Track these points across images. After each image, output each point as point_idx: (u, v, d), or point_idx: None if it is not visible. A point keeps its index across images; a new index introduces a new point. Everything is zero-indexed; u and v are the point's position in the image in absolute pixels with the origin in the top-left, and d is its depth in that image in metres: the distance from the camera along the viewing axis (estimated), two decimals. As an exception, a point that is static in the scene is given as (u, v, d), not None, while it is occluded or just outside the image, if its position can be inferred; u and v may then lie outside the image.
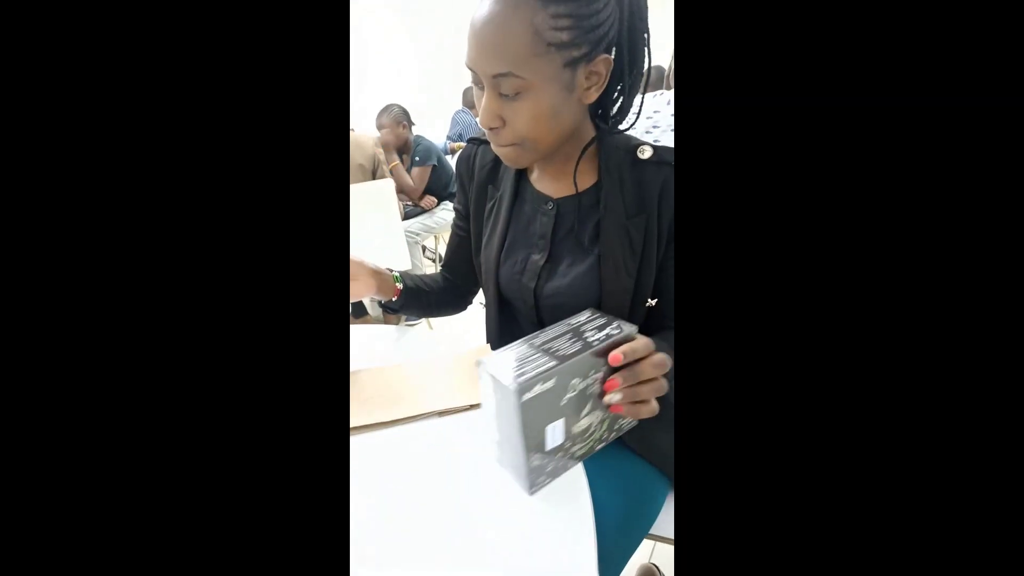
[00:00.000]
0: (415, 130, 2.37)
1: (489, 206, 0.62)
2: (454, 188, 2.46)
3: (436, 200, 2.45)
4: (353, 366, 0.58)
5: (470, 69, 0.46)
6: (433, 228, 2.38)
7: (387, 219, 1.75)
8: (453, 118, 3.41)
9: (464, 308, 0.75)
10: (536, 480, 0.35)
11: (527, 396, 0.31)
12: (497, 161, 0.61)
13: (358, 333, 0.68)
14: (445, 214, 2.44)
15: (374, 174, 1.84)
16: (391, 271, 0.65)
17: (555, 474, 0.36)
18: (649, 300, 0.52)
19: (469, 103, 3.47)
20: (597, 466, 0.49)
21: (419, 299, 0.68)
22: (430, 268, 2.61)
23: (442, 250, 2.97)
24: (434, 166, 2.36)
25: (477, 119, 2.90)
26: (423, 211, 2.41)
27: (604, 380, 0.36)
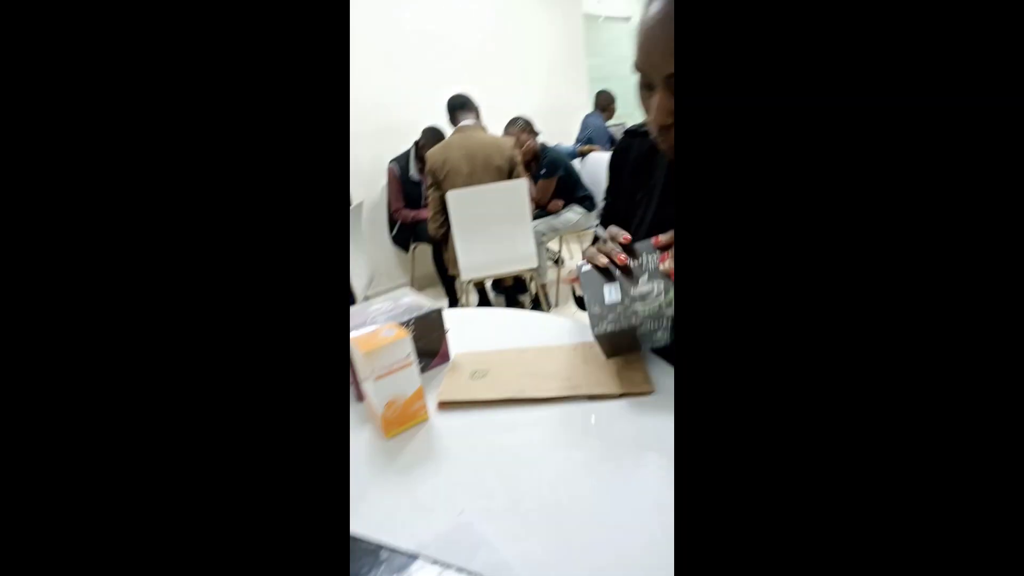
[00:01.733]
0: (541, 138, 2.47)
1: (639, 195, 0.64)
2: (580, 192, 2.54)
3: (562, 203, 2.51)
4: (490, 346, 0.64)
5: (639, 71, 0.48)
6: (558, 228, 2.45)
7: (519, 217, 1.85)
8: (583, 121, 3.44)
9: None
10: (596, 324, 0.50)
11: (584, 268, 0.53)
12: (650, 153, 0.64)
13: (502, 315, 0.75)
14: (571, 215, 2.49)
15: (510, 174, 1.96)
16: None
17: (616, 322, 0.49)
18: None
19: (600, 106, 3.48)
20: None
21: None
22: (551, 270, 2.68)
23: (564, 252, 3.02)
24: (560, 176, 2.43)
25: (609, 124, 2.87)
26: (550, 213, 2.49)
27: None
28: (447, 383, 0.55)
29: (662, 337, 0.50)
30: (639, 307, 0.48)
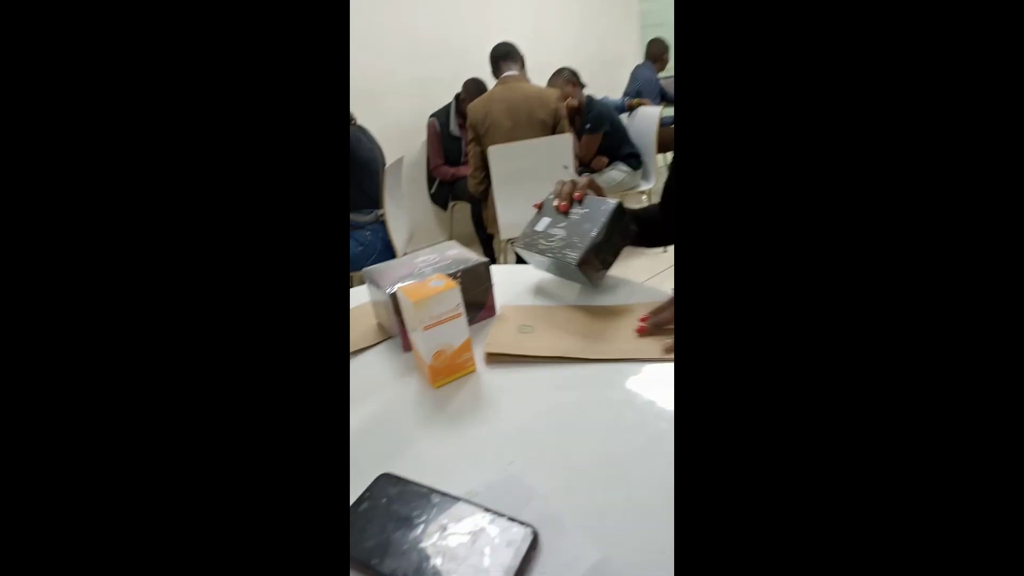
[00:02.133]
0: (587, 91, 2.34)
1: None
2: (627, 149, 2.41)
3: (607, 160, 2.40)
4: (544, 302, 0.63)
5: None
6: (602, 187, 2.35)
7: (562, 174, 1.79)
8: (633, 73, 3.23)
9: (668, 245, 0.77)
10: (522, 238, 0.64)
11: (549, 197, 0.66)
12: None
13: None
14: (615, 173, 2.38)
15: (554, 129, 1.87)
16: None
17: (526, 244, 0.64)
18: None
19: (652, 57, 3.24)
20: None
21: (647, 234, 0.69)
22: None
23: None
24: (605, 132, 2.30)
25: (661, 76, 2.70)
26: (594, 171, 2.39)
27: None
28: (494, 335, 0.54)
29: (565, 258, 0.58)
30: (544, 243, 0.61)
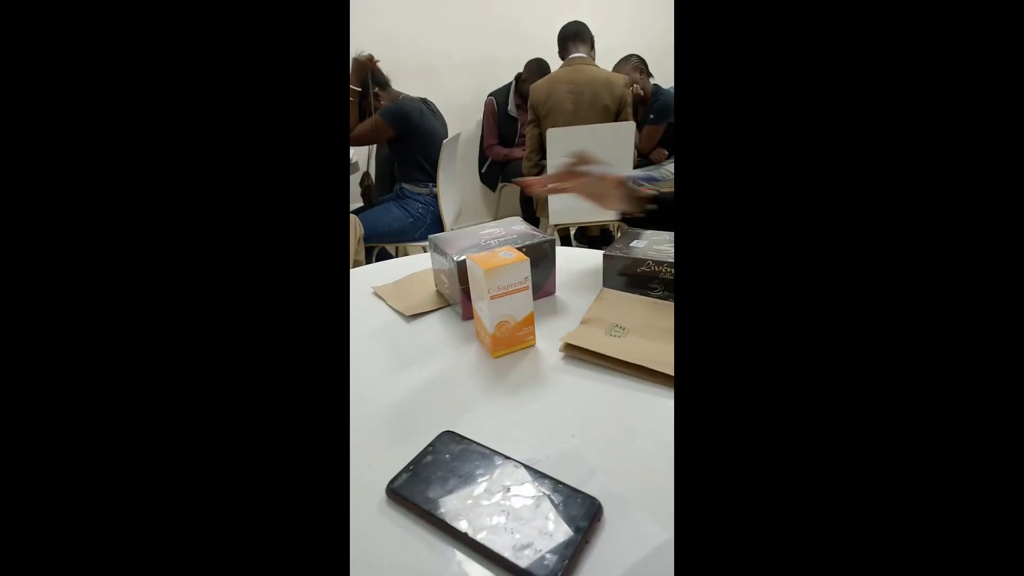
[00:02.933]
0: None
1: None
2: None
3: (667, 153, 2.32)
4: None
5: None
6: (657, 181, 2.29)
7: (621, 163, 1.75)
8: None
9: None
10: None
11: None
12: None
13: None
14: (672, 168, 2.30)
15: (617, 116, 1.83)
16: (639, 184, 0.66)
17: None
18: None
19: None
20: None
21: (661, 222, 0.67)
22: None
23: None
24: (669, 123, 2.22)
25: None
26: (652, 163, 2.32)
27: None
28: (582, 330, 0.50)
29: None
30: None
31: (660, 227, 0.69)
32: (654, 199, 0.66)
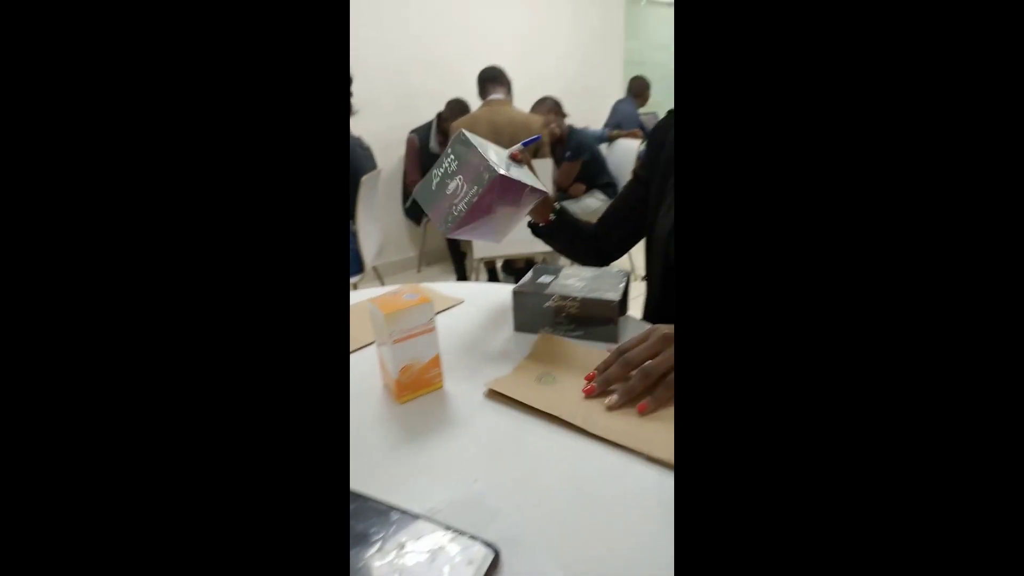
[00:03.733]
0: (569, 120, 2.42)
1: (673, 180, 0.62)
2: (605, 179, 2.49)
3: (584, 187, 2.47)
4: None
5: None
6: (577, 214, 2.41)
7: (539, 198, 1.82)
8: (614, 107, 3.36)
9: (600, 265, 0.77)
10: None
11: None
12: None
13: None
14: (591, 201, 2.45)
15: (535, 153, 1.92)
16: (554, 198, 0.70)
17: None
18: None
19: (634, 93, 3.39)
20: None
21: (566, 233, 0.71)
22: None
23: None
24: (584, 161, 2.38)
25: (640, 111, 2.81)
26: (570, 197, 2.45)
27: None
28: (510, 377, 0.50)
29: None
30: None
31: (558, 241, 0.72)
32: (559, 210, 0.70)
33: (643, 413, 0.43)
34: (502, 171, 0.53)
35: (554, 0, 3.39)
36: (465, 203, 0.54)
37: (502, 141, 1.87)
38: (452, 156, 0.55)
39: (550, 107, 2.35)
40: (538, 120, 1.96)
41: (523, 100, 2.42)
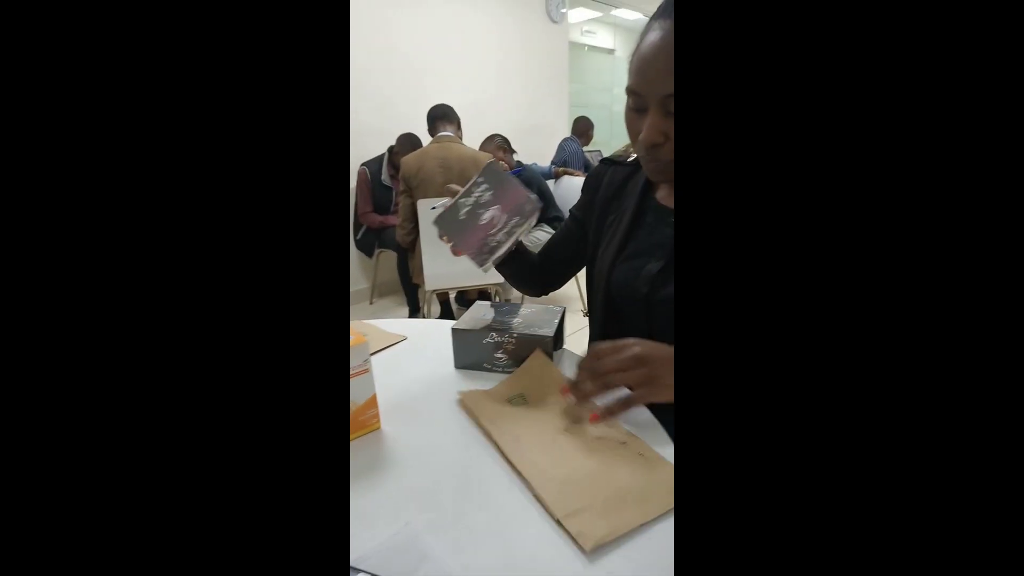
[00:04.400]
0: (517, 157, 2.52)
1: (611, 219, 0.67)
2: (552, 213, 2.58)
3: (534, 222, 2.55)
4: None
5: (634, 93, 0.51)
6: (528, 247, 2.48)
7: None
8: (560, 145, 3.53)
9: (540, 295, 0.82)
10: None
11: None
12: (625, 180, 0.68)
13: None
14: (540, 234, 2.52)
15: (483, 189, 1.97)
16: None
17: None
18: None
19: (578, 132, 3.58)
20: None
21: (517, 262, 0.74)
22: (517, 284, 2.70)
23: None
24: None
25: (585, 150, 2.93)
26: (520, 229, 2.52)
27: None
28: (485, 394, 0.52)
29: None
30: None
31: (510, 269, 0.75)
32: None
33: (594, 422, 0.46)
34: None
35: (502, 42, 3.56)
36: (505, 233, 0.54)
37: (452, 177, 1.91)
38: (486, 185, 0.54)
39: (498, 144, 2.43)
40: (486, 157, 2.02)
41: (474, 140, 2.50)
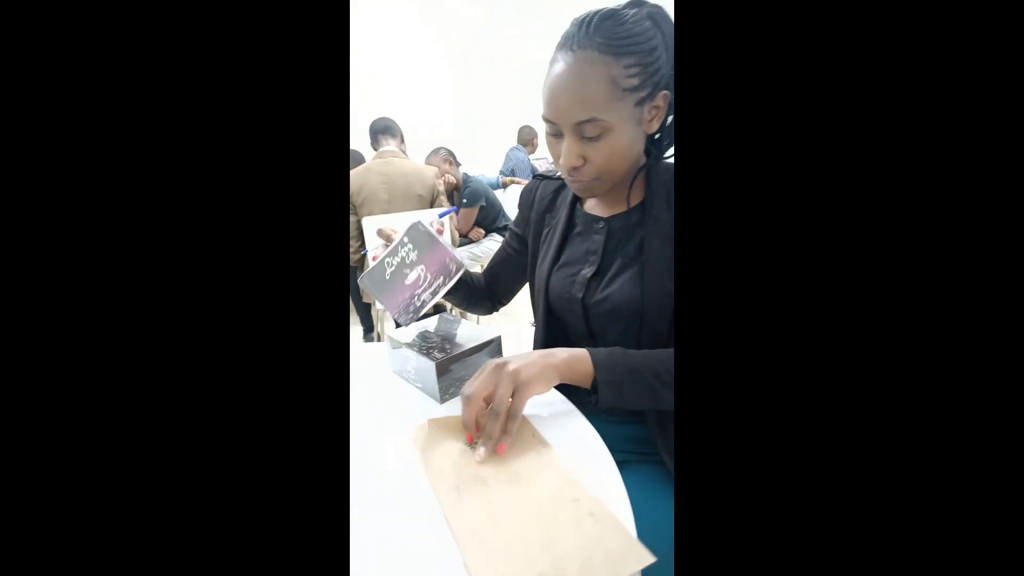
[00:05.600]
0: (463, 168, 2.53)
1: (545, 232, 0.70)
2: (502, 222, 2.61)
3: (484, 232, 2.56)
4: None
5: (548, 121, 0.54)
6: (479, 257, 2.49)
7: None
8: (507, 154, 3.58)
9: (491, 312, 0.83)
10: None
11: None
12: (556, 194, 0.71)
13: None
14: (492, 244, 2.54)
15: (432, 203, 1.96)
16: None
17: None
18: None
19: (523, 141, 3.64)
20: (640, 515, 0.45)
21: (462, 292, 0.75)
22: (472, 295, 2.71)
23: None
24: (481, 206, 2.49)
25: (531, 158, 3.01)
26: (472, 241, 2.52)
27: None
28: (449, 424, 0.48)
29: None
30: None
31: (456, 295, 0.75)
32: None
33: (502, 453, 0.44)
34: (465, 261, 0.54)
35: (448, 50, 3.57)
36: (430, 293, 0.55)
37: (396, 192, 1.89)
38: (411, 246, 0.54)
39: (443, 157, 2.43)
40: (431, 171, 2.02)
41: (419, 153, 2.48)
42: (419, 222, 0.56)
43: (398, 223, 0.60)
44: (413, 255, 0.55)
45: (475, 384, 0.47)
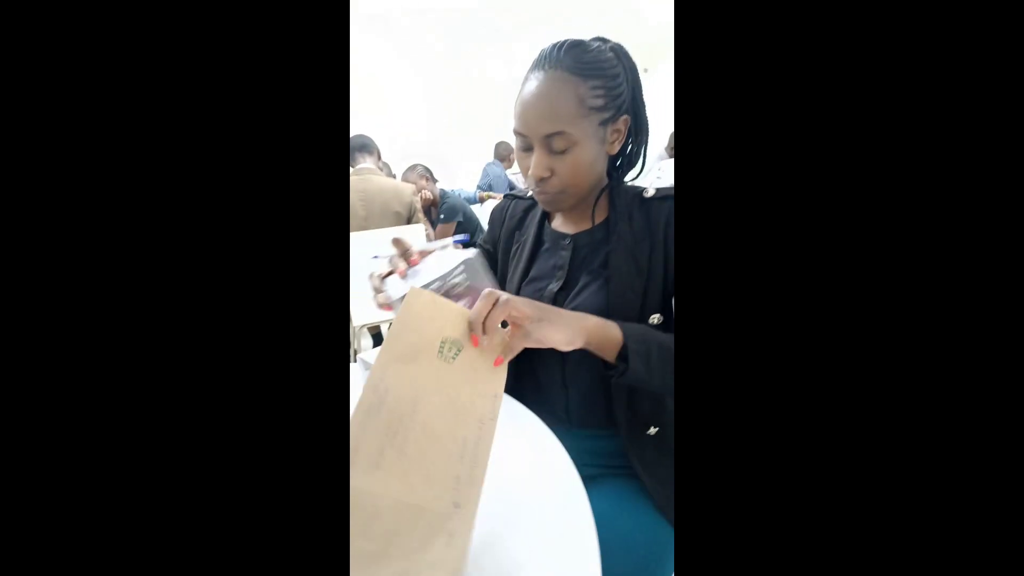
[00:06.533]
0: (441, 184, 2.56)
1: (514, 249, 0.74)
2: (480, 237, 2.63)
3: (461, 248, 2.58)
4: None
5: (519, 134, 0.58)
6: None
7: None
8: (484, 169, 3.62)
9: None
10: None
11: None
12: (525, 213, 0.75)
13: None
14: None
15: (409, 220, 1.97)
16: None
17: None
18: (653, 317, 0.59)
19: (500, 156, 3.70)
20: (612, 530, 0.48)
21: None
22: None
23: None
24: (459, 222, 2.52)
25: (508, 172, 3.06)
26: (449, 255, 2.54)
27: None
28: (417, 330, 0.43)
29: None
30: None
31: None
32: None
33: (499, 365, 0.45)
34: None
35: (425, 66, 3.61)
36: None
37: (373, 209, 1.90)
38: (465, 276, 0.53)
39: (420, 173, 2.45)
40: (408, 188, 2.03)
41: (396, 169, 2.49)
42: (479, 254, 0.55)
43: (379, 243, 0.60)
44: (464, 286, 0.54)
45: (505, 296, 0.45)
